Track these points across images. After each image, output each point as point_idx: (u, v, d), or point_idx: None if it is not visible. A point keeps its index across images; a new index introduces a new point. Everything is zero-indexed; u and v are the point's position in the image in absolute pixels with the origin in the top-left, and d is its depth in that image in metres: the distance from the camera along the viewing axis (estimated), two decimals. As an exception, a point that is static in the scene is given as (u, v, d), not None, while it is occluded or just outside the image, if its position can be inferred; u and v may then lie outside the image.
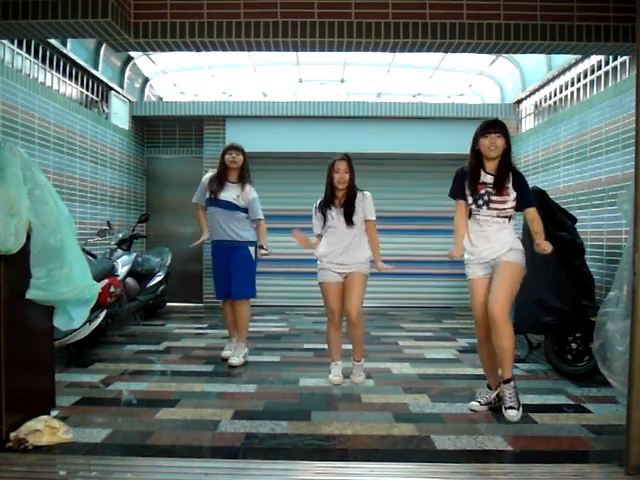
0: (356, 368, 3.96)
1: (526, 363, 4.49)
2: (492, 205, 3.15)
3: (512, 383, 3.11)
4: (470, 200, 3.21)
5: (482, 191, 3.17)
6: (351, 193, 3.90)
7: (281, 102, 7.51)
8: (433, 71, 7.28)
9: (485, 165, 3.20)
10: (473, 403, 3.38)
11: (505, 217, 3.18)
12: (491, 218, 3.17)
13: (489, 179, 3.18)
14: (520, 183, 3.19)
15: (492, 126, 3.17)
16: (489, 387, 3.37)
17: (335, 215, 3.89)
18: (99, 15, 3.47)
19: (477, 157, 3.21)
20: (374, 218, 3.92)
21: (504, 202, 3.15)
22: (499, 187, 3.14)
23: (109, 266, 4.98)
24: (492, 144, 3.13)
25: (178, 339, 5.45)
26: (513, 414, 3.03)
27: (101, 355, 4.71)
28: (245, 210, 4.46)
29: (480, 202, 3.17)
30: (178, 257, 7.45)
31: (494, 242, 3.17)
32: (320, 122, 7.53)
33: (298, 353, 4.95)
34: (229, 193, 4.42)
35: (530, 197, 3.23)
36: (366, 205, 3.90)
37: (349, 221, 3.83)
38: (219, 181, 4.46)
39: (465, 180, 3.25)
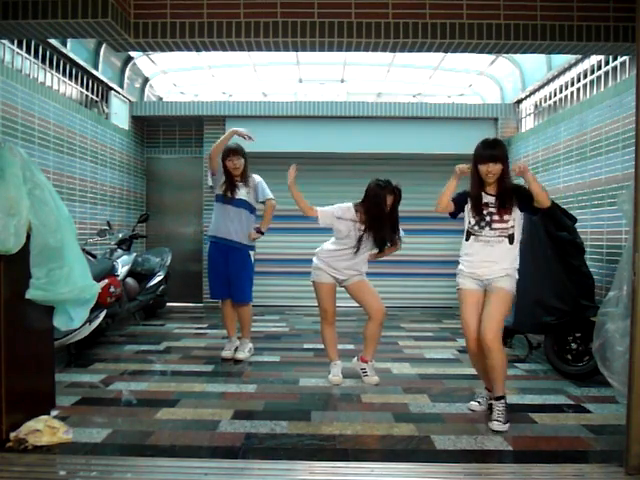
0: (369, 369, 3.96)
1: (526, 363, 4.49)
2: (494, 225, 3.13)
3: (503, 401, 3.09)
4: (472, 222, 3.19)
5: (484, 212, 3.15)
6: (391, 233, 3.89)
7: (281, 102, 7.51)
8: (433, 71, 7.28)
9: (485, 186, 3.19)
10: (472, 403, 3.38)
11: (507, 236, 3.14)
12: (494, 238, 3.14)
13: (491, 199, 3.16)
14: (521, 195, 3.15)
15: (488, 152, 3.11)
16: (487, 389, 3.37)
17: (354, 235, 3.85)
18: (99, 15, 3.47)
19: (478, 176, 3.17)
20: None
21: (506, 221, 3.13)
22: (501, 206, 3.13)
23: (109, 266, 4.98)
24: (489, 172, 3.10)
25: (178, 339, 5.45)
26: (497, 425, 3.00)
27: (101, 355, 4.71)
28: (254, 210, 4.52)
29: (482, 223, 3.15)
30: (178, 257, 7.46)
31: (492, 264, 3.13)
32: (320, 122, 7.53)
33: (298, 353, 4.96)
34: (241, 192, 4.48)
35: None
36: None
37: (357, 250, 3.84)
38: (231, 183, 4.47)
39: (466, 199, 3.24)
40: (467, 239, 3.23)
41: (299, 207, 3.91)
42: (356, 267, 3.91)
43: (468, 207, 3.23)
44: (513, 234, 3.14)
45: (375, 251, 3.98)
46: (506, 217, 3.13)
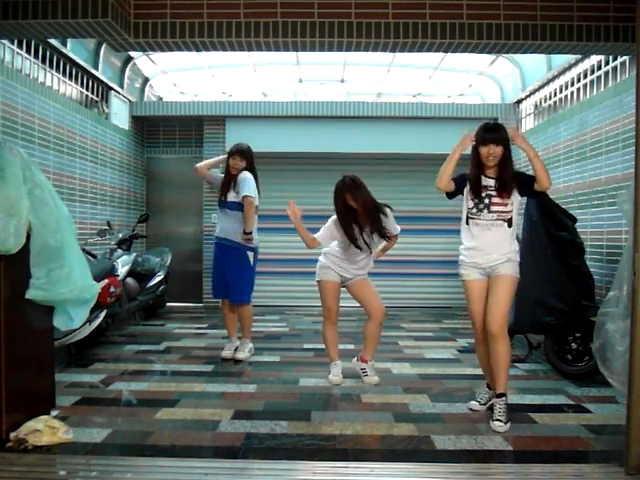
0: (369, 369, 3.97)
1: (526, 363, 4.49)
2: (493, 208, 3.12)
3: (504, 398, 3.09)
4: (471, 204, 3.18)
5: (483, 194, 3.14)
6: (375, 218, 3.85)
7: (281, 102, 7.51)
8: (433, 71, 7.28)
9: (485, 169, 3.17)
10: (473, 403, 3.38)
11: (505, 220, 3.13)
12: (491, 222, 3.13)
13: (490, 182, 3.15)
14: (521, 179, 3.16)
15: (490, 134, 3.12)
16: (488, 387, 3.37)
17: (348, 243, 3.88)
18: (99, 15, 3.47)
19: (478, 159, 3.16)
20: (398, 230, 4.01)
21: (505, 205, 3.12)
22: (502, 189, 3.11)
23: (109, 266, 4.98)
24: (490, 154, 3.09)
25: (178, 339, 5.45)
26: (499, 426, 2.99)
27: (101, 355, 4.71)
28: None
29: (481, 206, 3.14)
30: (178, 257, 7.46)
31: (492, 249, 3.13)
32: (320, 122, 7.53)
33: (298, 353, 4.96)
34: (231, 194, 4.49)
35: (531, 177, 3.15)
36: (389, 222, 3.93)
37: (363, 247, 3.85)
38: (226, 185, 4.51)
39: (466, 181, 3.22)
40: (467, 223, 3.23)
41: (303, 241, 3.88)
42: (365, 266, 3.94)
43: (467, 190, 3.22)
44: (511, 218, 3.14)
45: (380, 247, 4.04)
46: (505, 200, 3.12)
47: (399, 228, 4.02)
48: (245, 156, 4.47)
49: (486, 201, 3.14)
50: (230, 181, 4.49)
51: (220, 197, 4.53)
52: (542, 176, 3.04)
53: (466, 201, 3.23)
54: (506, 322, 3.14)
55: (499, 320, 3.09)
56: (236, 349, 4.65)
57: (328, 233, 3.90)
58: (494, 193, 3.13)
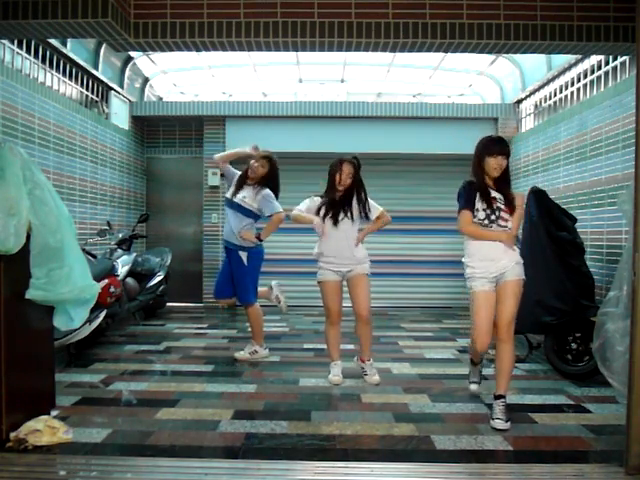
0: (368, 368, 3.97)
1: (526, 363, 4.49)
2: (501, 222, 3.14)
3: (503, 400, 3.09)
4: (482, 215, 3.15)
5: (494, 206, 3.14)
6: (349, 196, 3.92)
7: (281, 102, 7.51)
8: (433, 71, 7.28)
9: (487, 180, 3.19)
10: (472, 387, 3.52)
11: None
12: None
13: (498, 195, 3.17)
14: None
15: (499, 146, 3.13)
16: (473, 363, 3.50)
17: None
18: (99, 15, 3.47)
19: (483, 170, 3.17)
20: (380, 210, 4.02)
21: (508, 220, 3.16)
22: (510, 205, 3.15)
23: (109, 266, 4.98)
24: (498, 165, 3.11)
25: (178, 339, 5.45)
26: (499, 423, 3.00)
27: (101, 355, 4.71)
28: (251, 214, 4.47)
29: (493, 217, 3.14)
30: (178, 257, 7.45)
31: (501, 257, 3.13)
32: (320, 122, 7.53)
33: (298, 353, 4.96)
34: (241, 194, 4.47)
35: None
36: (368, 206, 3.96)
37: (335, 222, 3.86)
38: (238, 183, 4.51)
39: (474, 192, 3.18)
40: None
41: (305, 222, 3.99)
42: (350, 253, 3.87)
43: (477, 200, 3.17)
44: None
45: (365, 226, 4.06)
46: (510, 216, 3.15)
47: (380, 208, 4.03)
48: (267, 160, 4.47)
49: (497, 213, 3.14)
50: (244, 183, 4.48)
51: (230, 196, 4.52)
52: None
53: (478, 211, 3.17)
54: (513, 326, 3.16)
55: (506, 325, 3.13)
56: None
57: (306, 205, 4.01)
58: (503, 207, 3.16)
